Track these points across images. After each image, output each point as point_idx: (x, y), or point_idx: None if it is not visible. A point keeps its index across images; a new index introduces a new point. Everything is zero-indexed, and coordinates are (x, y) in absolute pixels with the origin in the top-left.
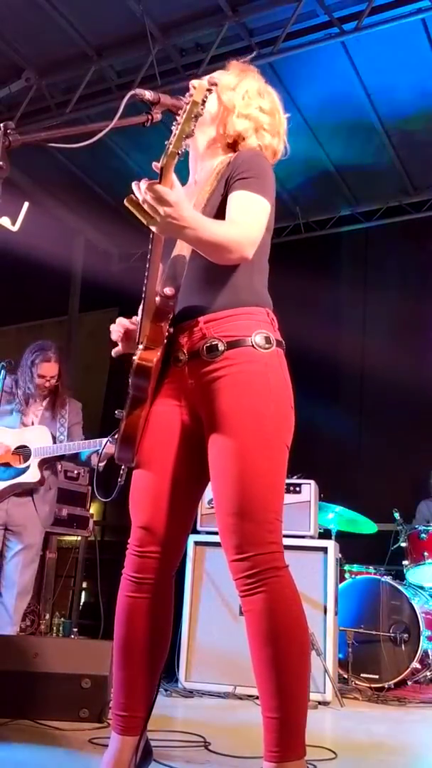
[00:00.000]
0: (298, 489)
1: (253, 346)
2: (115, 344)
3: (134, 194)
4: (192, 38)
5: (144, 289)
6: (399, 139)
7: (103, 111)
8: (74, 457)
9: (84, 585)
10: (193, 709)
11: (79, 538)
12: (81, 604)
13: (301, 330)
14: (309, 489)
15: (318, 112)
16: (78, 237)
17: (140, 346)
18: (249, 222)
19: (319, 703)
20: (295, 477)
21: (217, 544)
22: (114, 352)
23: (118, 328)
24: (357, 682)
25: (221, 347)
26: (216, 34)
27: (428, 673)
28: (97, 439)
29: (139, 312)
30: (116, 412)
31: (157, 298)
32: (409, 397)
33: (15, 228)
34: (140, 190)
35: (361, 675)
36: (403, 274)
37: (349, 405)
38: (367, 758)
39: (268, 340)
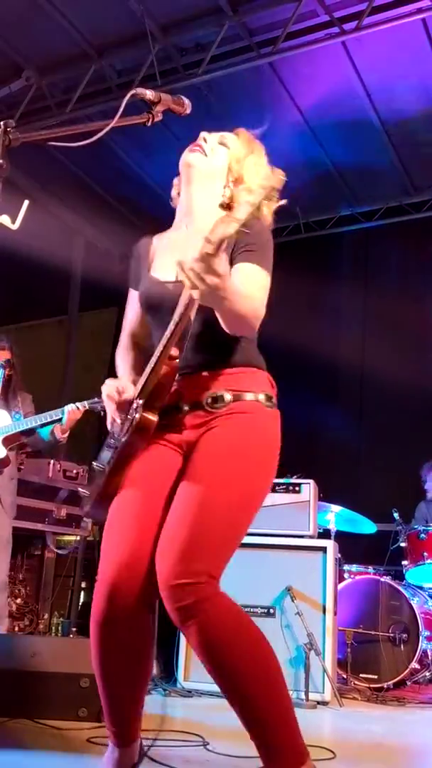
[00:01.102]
0: (297, 489)
1: (257, 400)
2: (115, 344)
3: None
4: (192, 38)
5: (159, 342)
6: (399, 139)
7: (103, 110)
8: (35, 438)
9: (83, 585)
10: (191, 708)
11: (78, 537)
12: (80, 603)
13: (301, 330)
14: (308, 489)
15: (318, 112)
16: (78, 236)
17: (140, 401)
18: (261, 298)
19: (318, 703)
20: (295, 477)
21: None
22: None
23: (113, 395)
24: (356, 682)
25: (227, 398)
26: (216, 33)
27: (427, 674)
28: (55, 410)
29: (144, 365)
30: (94, 464)
31: (165, 365)
32: (409, 396)
33: (15, 226)
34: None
35: (360, 675)
36: (403, 274)
37: (349, 405)
38: (365, 758)
39: (270, 399)
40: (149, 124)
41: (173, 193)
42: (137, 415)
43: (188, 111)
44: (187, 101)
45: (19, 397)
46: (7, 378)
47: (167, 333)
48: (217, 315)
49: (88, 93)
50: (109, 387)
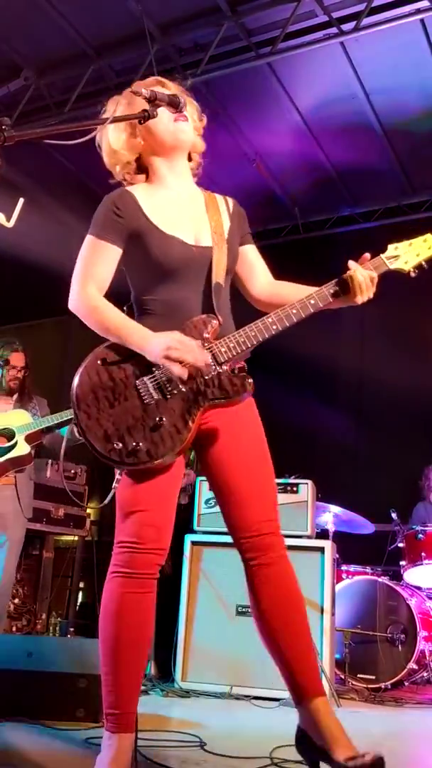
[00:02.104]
0: (295, 489)
1: None
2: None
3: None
4: (191, 38)
5: (195, 303)
6: (398, 140)
7: (101, 110)
8: (55, 437)
9: (81, 585)
10: (189, 709)
11: (76, 537)
12: (78, 604)
13: (299, 331)
14: (306, 489)
15: (317, 113)
16: (77, 236)
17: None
18: None
19: None
20: (293, 477)
21: (214, 544)
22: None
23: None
24: (354, 682)
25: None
26: (215, 33)
27: (425, 674)
28: None
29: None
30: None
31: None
32: (407, 398)
33: (10, 224)
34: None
35: (358, 675)
36: (401, 275)
37: (347, 406)
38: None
39: None
40: (144, 121)
41: (129, 156)
42: (250, 380)
43: (183, 110)
44: (182, 99)
45: (35, 399)
46: (22, 380)
47: (282, 321)
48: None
49: (87, 93)
50: (195, 344)
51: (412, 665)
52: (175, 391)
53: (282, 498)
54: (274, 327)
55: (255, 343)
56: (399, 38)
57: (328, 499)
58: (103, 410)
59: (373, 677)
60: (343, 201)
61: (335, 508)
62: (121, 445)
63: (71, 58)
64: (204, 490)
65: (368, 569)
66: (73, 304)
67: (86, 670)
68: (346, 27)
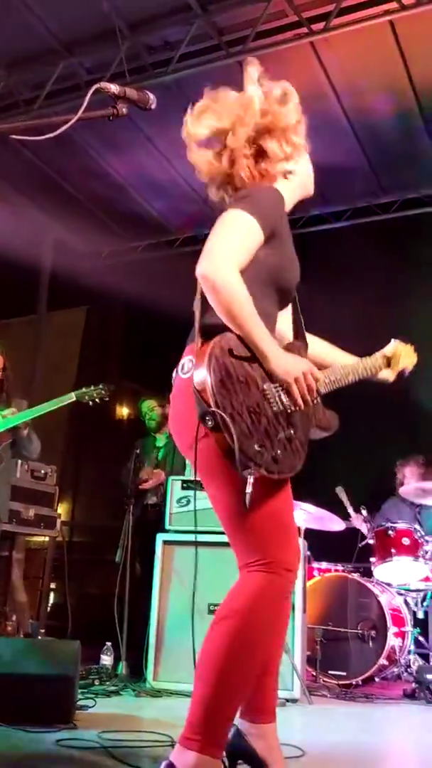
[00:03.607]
0: None
1: None
2: (84, 343)
3: None
4: (161, 36)
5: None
6: (368, 141)
7: (71, 108)
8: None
9: (52, 586)
10: (161, 708)
11: (47, 538)
12: (49, 605)
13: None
14: None
15: None
16: (47, 234)
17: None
18: None
19: (287, 700)
20: None
21: (186, 543)
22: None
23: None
24: (325, 679)
25: None
26: (185, 32)
27: (395, 670)
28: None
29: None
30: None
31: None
32: (379, 395)
33: None
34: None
35: (329, 672)
36: (371, 274)
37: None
38: (334, 755)
39: None
40: (113, 118)
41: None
42: (336, 417)
43: (153, 106)
44: (152, 96)
45: (13, 403)
46: (1, 382)
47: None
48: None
49: (57, 90)
50: (320, 374)
51: (382, 661)
52: (295, 407)
53: None
54: (365, 374)
55: (346, 384)
56: (368, 39)
57: (298, 497)
58: (238, 405)
59: (344, 674)
60: (314, 201)
61: (306, 506)
62: (263, 448)
63: (41, 55)
64: (176, 490)
65: (339, 566)
66: (210, 268)
67: (58, 671)
68: (316, 27)
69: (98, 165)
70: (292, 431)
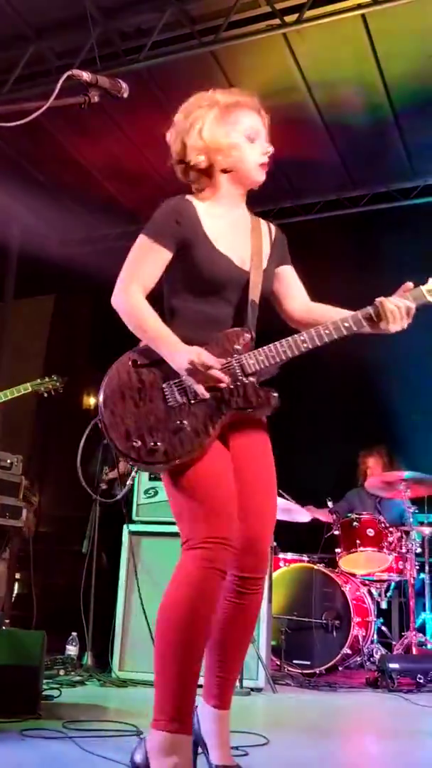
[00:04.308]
0: None
1: None
2: (52, 332)
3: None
4: (133, 22)
5: (230, 318)
6: (339, 134)
7: (41, 93)
8: None
9: (17, 576)
10: (126, 698)
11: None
12: (14, 595)
13: None
14: None
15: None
16: (15, 221)
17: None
18: None
19: (252, 689)
20: None
21: (152, 534)
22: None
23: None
24: (289, 668)
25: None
26: (158, 19)
27: (358, 659)
28: None
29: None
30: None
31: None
32: (343, 386)
33: None
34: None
35: (294, 661)
36: (340, 267)
37: (283, 394)
38: (298, 743)
39: None
40: (85, 106)
41: (186, 175)
42: (275, 394)
43: (125, 95)
44: (124, 85)
45: None
46: None
47: (314, 339)
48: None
49: (26, 75)
50: (212, 359)
51: (346, 650)
52: (199, 398)
53: None
54: (305, 345)
55: (284, 358)
56: (340, 32)
57: None
58: (128, 409)
59: (308, 663)
60: (284, 193)
61: None
62: (140, 443)
63: (10, 38)
64: (144, 480)
65: (305, 557)
66: (115, 300)
67: (22, 662)
68: (288, 18)
69: (67, 151)
70: (179, 422)
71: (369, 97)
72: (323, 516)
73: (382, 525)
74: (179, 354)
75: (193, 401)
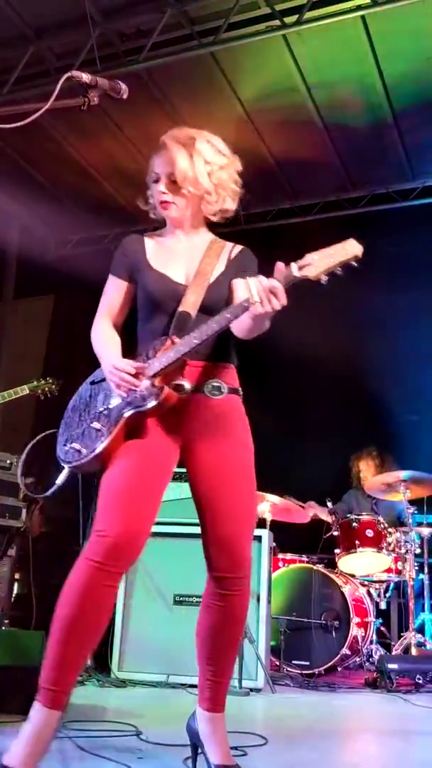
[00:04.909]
0: None
1: (240, 395)
2: (51, 332)
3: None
4: (133, 23)
5: (169, 330)
6: (338, 135)
7: (40, 94)
8: None
9: (16, 576)
10: (125, 698)
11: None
12: (13, 595)
13: None
14: None
15: (258, 105)
16: (14, 222)
17: (154, 378)
18: None
19: (251, 689)
20: None
21: (151, 534)
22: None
23: (129, 369)
24: (288, 668)
25: (224, 389)
26: (158, 20)
27: (357, 659)
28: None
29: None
30: (95, 425)
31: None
32: (342, 388)
33: None
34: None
35: (293, 662)
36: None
37: (279, 394)
38: (297, 743)
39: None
40: (84, 107)
41: (150, 201)
42: (166, 390)
43: (125, 96)
44: (123, 86)
45: None
46: None
47: (202, 333)
48: (243, 323)
49: (26, 75)
50: (125, 363)
51: (345, 651)
52: (113, 401)
53: None
54: (195, 341)
55: (179, 356)
56: (340, 33)
57: (264, 489)
58: (73, 420)
59: (307, 663)
60: (284, 194)
61: (272, 497)
62: (68, 446)
63: (9, 39)
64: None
65: (304, 557)
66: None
67: (22, 662)
68: (288, 20)
69: (67, 152)
70: (91, 423)
71: (368, 99)
72: (324, 514)
73: (381, 526)
74: (105, 364)
75: (110, 406)
